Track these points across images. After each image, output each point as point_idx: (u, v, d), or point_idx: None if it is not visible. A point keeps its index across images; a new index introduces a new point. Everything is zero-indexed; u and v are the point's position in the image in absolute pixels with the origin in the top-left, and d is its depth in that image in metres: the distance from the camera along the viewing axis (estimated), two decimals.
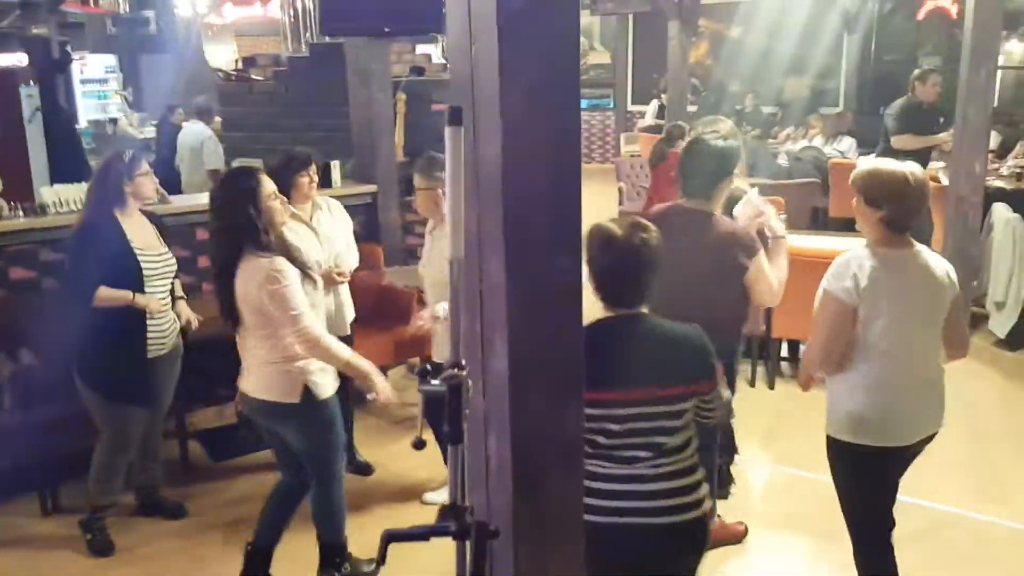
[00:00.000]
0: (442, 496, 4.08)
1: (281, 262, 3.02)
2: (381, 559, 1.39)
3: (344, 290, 4.18)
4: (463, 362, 1.41)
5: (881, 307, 2.59)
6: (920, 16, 10.76)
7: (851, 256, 2.65)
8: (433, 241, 3.88)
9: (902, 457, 2.72)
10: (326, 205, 4.17)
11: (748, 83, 11.05)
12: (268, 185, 3.11)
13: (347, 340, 4.24)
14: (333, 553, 3.40)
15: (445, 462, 4.01)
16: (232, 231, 3.03)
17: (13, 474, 3.85)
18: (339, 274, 4.05)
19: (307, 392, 3.10)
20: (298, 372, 3.09)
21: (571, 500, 1.62)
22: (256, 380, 3.14)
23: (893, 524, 2.81)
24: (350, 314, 4.26)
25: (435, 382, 1.36)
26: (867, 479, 2.75)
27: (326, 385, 3.18)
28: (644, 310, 2.29)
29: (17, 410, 3.97)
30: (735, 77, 11.60)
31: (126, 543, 3.79)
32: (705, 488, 2.31)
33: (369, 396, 3.19)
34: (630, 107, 14.72)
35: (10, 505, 4.04)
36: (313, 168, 4.03)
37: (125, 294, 3.55)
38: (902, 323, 2.62)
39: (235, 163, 6.16)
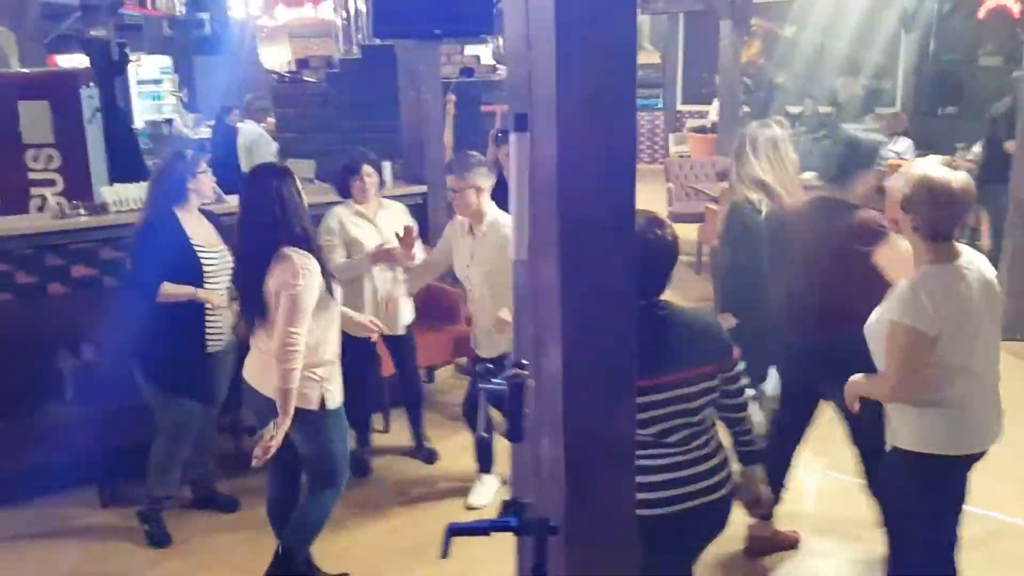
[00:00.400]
0: (482, 498, 4.13)
1: (314, 264, 3.03)
2: (444, 552, 1.42)
3: (403, 292, 4.30)
4: (524, 361, 1.42)
5: (951, 325, 2.50)
6: (981, 14, 10.50)
7: (912, 284, 2.54)
8: (475, 241, 3.90)
9: (972, 464, 2.68)
10: (390, 207, 4.36)
11: (801, 83, 10.89)
12: (295, 181, 3.15)
13: (402, 340, 4.40)
14: (286, 567, 3.30)
15: (477, 460, 4.11)
16: (265, 227, 3.04)
17: (74, 466, 3.96)
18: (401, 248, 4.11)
19: (322, 399, 3.12)
20: (318, 379, 3.11)
21: (624, 501, 1.62)
22: (255, 373, 3.15)
23: (957, 536, 2.75)
24: (408, 316, 4.37)
25: (496, 381, 1.37)
26: (940, 489, 2.68)
27: (337, 394, 3.20)
28: (660, 298, 2.40)
29: (78, 404, 4.09)
30: (788, 77, 11.44)
31: (182, 535, 3.89)
32: (730, 468, 2.48)
33: (257, 435, 3.06)
34: (680, 107, 14.61)
35: (71, 496, 4.16)
36: (365, 170, 4.19)
37: (189, 289, 3.63)
38: (969, 335, 2.55)
39: (287, 163, 6.27)
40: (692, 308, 2.46)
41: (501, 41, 7.07)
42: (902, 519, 2.77)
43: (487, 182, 3.84)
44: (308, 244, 3.07)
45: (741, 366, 2.48)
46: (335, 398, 3.19)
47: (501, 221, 3.80)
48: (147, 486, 3.86)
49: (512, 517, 1.42)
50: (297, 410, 3.06)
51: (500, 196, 3.91)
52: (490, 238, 3.82)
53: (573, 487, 1.53)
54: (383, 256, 4.11)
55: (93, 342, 4.18)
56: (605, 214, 1.50)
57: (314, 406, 3.11)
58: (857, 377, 2.78)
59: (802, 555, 3.64)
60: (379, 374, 4.56)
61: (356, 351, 3.91)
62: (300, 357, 3.00)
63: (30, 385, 4.07)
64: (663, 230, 2.36)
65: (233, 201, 5.10)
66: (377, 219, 4.27)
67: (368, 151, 4.36)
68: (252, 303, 3.09)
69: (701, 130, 9.99)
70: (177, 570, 3.68)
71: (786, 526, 3.69)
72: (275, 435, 3.02)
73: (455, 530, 1.44)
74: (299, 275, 2.98)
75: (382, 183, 4.40)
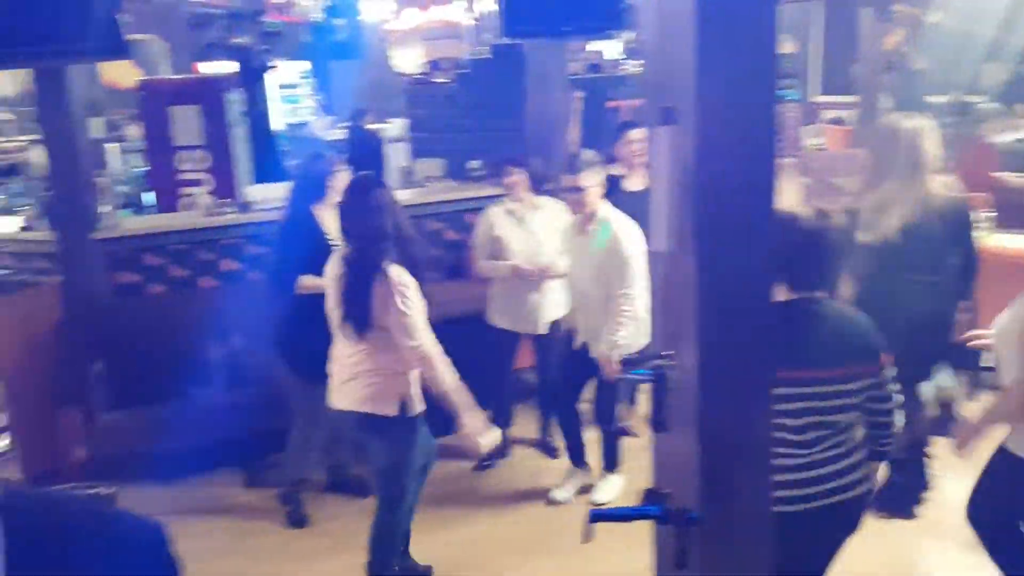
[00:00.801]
0: (605, 495, 4.10)
1: (407, 276, 3.05)
2: (586, 537, 1.43)
3: (549, 291, 4.34)
4: (669, 352, 1.42)
5: None
6: None
7: None
8: (587, 239, 3.89)
9: None
10: (547, 206, 4.36)
11: (947, 71, 10.30)
12: (391, 191, 3.20)
13: (545, 338, 4.44)
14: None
15: (603, 456, 4.08)
16: (370, 239, 3.07)
17: (221, 448, 4.22)
18: (538, 270, 4.22)
19: (403, 406, 3.13)
20: (402, 385, 3.13)
21: (759, 498, 1.60)
22: (356, 391, 3.16)
23: None
24: (553, 315, 4.40)
25: (638, 372, 1.38)
26: None
27: (419, 400, 3.20)
28: (820, 294, 2.36)
29: (226, 390, 4.34)
30: (932, 65, 10.84)
31: (319, 516, 4.06)
32: (868, 467, 2.41)
33: (461, 434, 3.10)
34: (817, 98, 14.08)
35: (217, 476, 4.41)
36: (509, 170, 4.30)
37: (325, 281, 3.78)
38: None
39: (418, 163, 6.44)
40: (850, 309, 2.41)
41: (633, 36, 7.00)
42: (999, 527, 2.63)
43: (601, 181, 3.83)
44: (410, 256, 3.11)
45: (891, 373, 2.40)
46: (417, 404, 3.19)
47: (612, 220, 3.79)
48: (286, 469, 4.05)
49: (654, 507, 1.42)
50: (375, 417, 3.12)
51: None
52: (601, 237, 3.82)
53: (707, 482, 1.52)
54: (520, 273, 4.23)
55: (239, 332, 4.42)
56: (743, 208, 1.48)
57: (393, 412, 3.12)
58: (977, 411, 2.65)
59: (949, 568, 3.47)
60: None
61: (498, 344, 3.98)
62: (439, 359, 3.05)
63: (182, 372, 4.34)
64: (822, 223, 2.34)
65: None
66: (529, 219, 4.33)
67: (516, 149, 4.44)
68: (355, 313, 3.10)
69: (837, 122, 9.61)
70: (311, 549, 3.85)
71: (932, 536, 3.53)
72: (465, 432, 3.08)
73: (597, 515, 1.45)
74: (403, 291, 3.01)
75: (536, 182, 4.37)
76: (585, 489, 4.18)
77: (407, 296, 3.02)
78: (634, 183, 4.43)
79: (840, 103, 11.47)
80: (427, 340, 3.06)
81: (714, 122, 1.40)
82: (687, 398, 1.51)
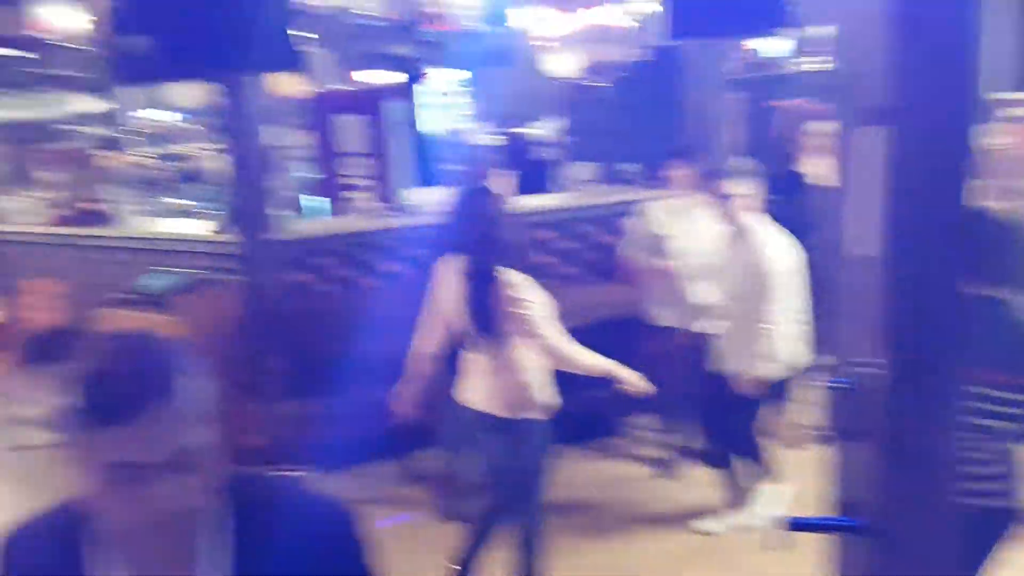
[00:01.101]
0: (772, 508, 3.95)
1: (520, 277, 3.09)
2: (781, 544, 1.41)
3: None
4: (864, 360, 1.38)
5: None
6: None
7: None
8: (729, 254, 3.79)
9: None
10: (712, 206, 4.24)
11: None
12: (501, 199, 3.22)
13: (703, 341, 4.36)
14: None
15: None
16: (481, 249, 3.12)
17: (380, 441, 4.39)
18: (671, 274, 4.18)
19: (521, 410, 3.12)
20: (520, 389, 3.12)
21: (942, 514, 1.52)
22: (478, 390, 3.19)
23: None
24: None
25: (839, 380, 1.35)
26: None
27: (539, 406, 3.18)
28: (1001, 294, 2.24)
29: (383, 385, 4.50)
30: None
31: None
32: (1009, 483, 2.32)
33: (620, 387, 3.15)
34: (995, 95, 13.14)
35: (375, 467, 4.60)
36: (672, 164, 4.25)
37: (437, 287, 3.87)
38: None
39: (572, 167, 6.48)
40: None
41: (798, 33, 6.77)
42: None
43: (748, 189, 3.70)
44: (521, 260, 3.15)
45: None
46: (543, 407, 3.20)
47: (755, 228, 3.67)
48: (441, 464, 4.18)
49: (853, 519, 1.38)
50: (500, 419, 3.13)
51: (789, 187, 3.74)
52: (741, 246, 3.70)
53: (893, 492, 1.46)
54: (651, 276, 4.23)
55: (400, 331, 4.57)
56: (936, 211, 1.42)
57: (516, 415, 3.14)
58: None
59: None
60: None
61: (661, 344, 3.97)
62: (563, 347, 3.08)
63: (347, 367, 4.53)
64: (1018, 219, 2.24)
65: (526, 201, 5.40)
66: (690, 216, 4.24)
67: (685, 143, 4.43)
68: (479, 322, 3.15)
69: (1019, 119, 8.95)
70: None
71: None
72: (625, 383, 3.13)
73: (797, 524, 1.42)
74: (520, 293, 3.05)
75: (706, 177, 4.18)
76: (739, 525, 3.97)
77: (526, 297, 3.07)
78: (820, 179, 4.28)
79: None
80: (551, 332, 3.09)
81: (912, 121, 1.34)
82: (874, 405, 1.46)
